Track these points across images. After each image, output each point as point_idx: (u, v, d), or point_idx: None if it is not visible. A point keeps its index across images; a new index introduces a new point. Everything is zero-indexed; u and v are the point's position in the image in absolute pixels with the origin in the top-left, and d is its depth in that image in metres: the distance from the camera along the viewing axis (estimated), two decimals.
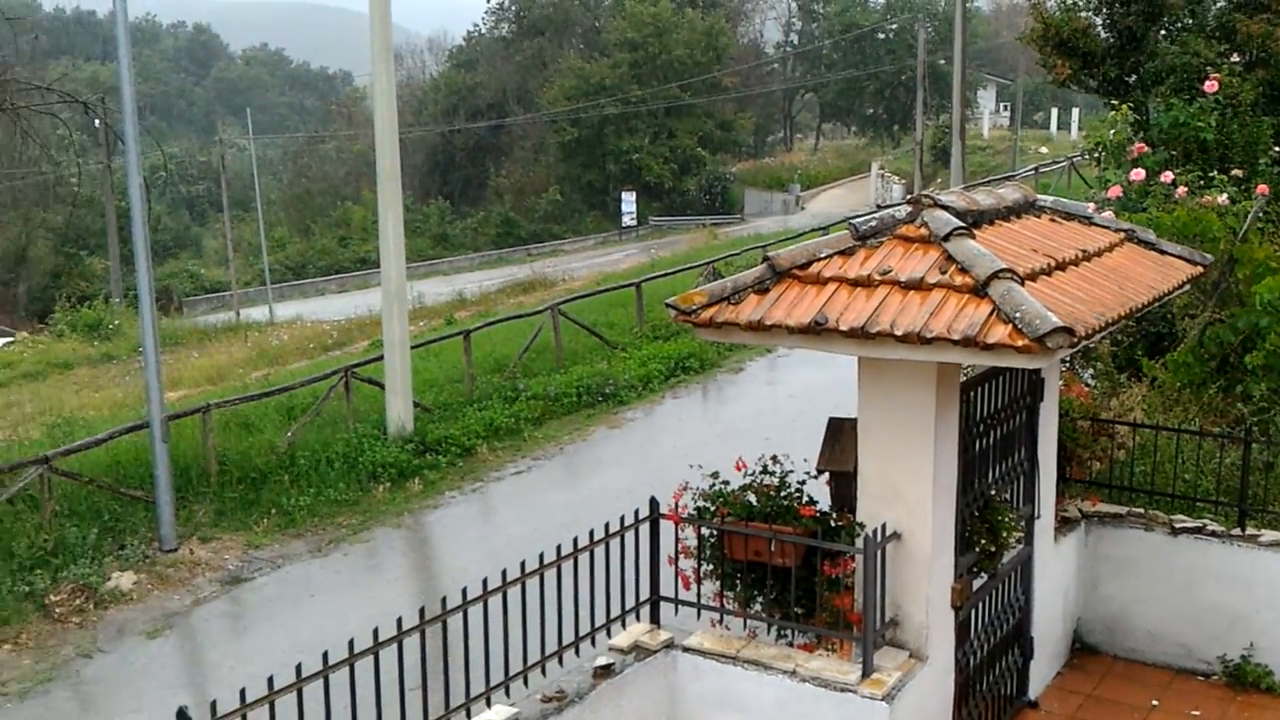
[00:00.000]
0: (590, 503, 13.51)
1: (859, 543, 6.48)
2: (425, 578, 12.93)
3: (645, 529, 7.25)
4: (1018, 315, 5.62)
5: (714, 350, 20.86)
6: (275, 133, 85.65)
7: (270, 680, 5.42)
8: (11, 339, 39.33)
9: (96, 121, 36.61)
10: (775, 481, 7.11)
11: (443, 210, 67.04)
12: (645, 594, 7.37)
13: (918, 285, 6.03)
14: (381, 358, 16.95)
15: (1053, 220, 7.73)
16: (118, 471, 13.77)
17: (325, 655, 5.65)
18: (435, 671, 6.25)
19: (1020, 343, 5.57)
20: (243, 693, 5.31)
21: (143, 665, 10.70)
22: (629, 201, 62.96)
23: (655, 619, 7.35)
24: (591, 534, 7.02)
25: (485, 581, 6.49)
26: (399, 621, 6.06)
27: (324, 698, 5.55)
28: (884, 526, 6.51)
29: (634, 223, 62.92)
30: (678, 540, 7.42)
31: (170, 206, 71.06)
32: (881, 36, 77.34)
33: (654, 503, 7.29)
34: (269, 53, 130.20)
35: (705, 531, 7.21)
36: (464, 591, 6.34)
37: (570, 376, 18.85)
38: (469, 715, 6.29)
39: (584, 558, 6.90)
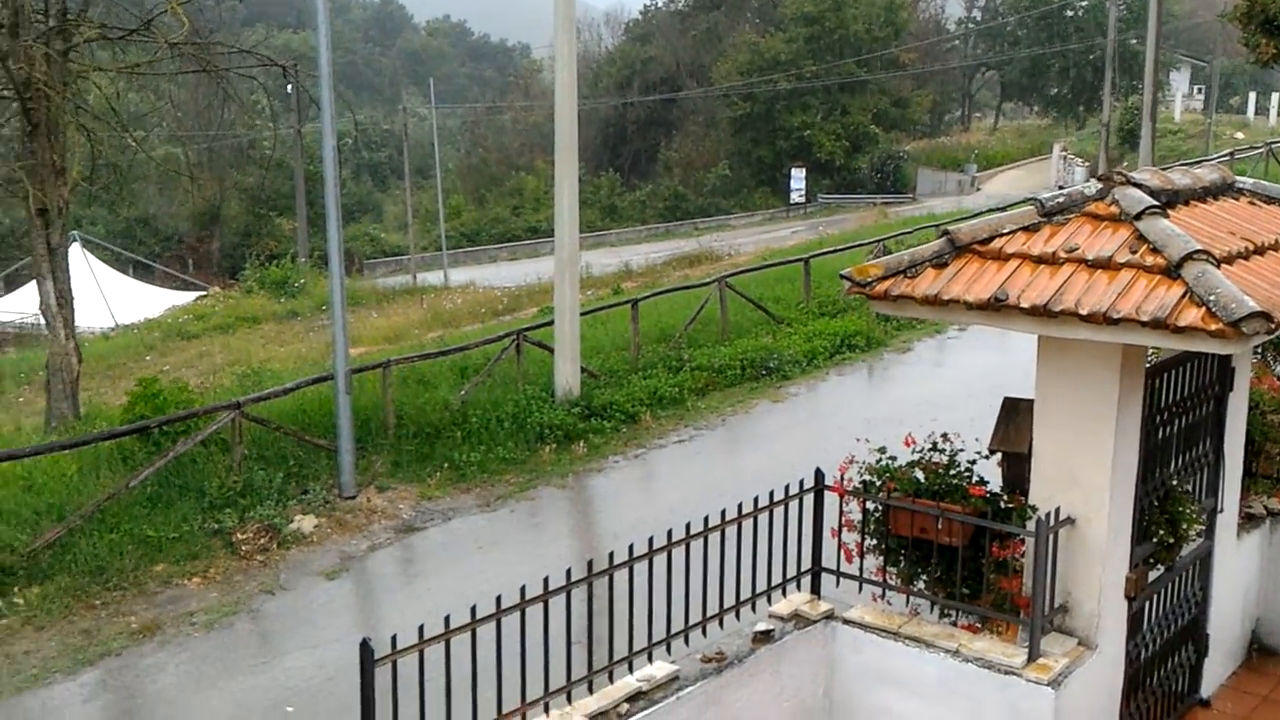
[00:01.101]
0: (750, 474, 13.56)
1: (1031, 525, 6.38)
2: (586, 537, 13.21)
3: (809, 500, 7.29)
4: (1212, 298, 5.44)
5: (881, 329, 20.61)
6: (455, 103, 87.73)
7: (447, 619, 5.67)
8: (205, 293, 41.50)
9: (289, 87, 38.22)
10: (944, 459, 7.05)
11: (613, 182, 67.70)
12: (806, 565, 7.41)
13: (1106, 264, 5.87)
14: (551, 323, 17.32)
15: (1252, 203, 7.41)
16: (303, 420, 14.45)
17: (498, 599, 5.87)
18: (595, 626, 6.43)
19: (1214, 327, 5.39)
20: (420, 629, 5.57)
21: (321, 604, 11.26)
22: (798, 178, 62.43)
23: (816, 590, 7.39)
24: (756, 501, 7.08)
25: (651, 540, 6.63)
26: (568, 572, 6.26)
27: (495, 639, 5.78)
28: (1057, 511, 6.39)
29: (802, 200, 62.39)
30: (842, 513, 7.43)
31: (355, 172, 73.69)
32: (1070, 14, 74.49)
33: (819, 474, 7.31)
34: (451, 24, 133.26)
35: (870, 506, 7.20)
36: (630, 548, 6.50)
37: (734, 349, 18.91)
38: (631, 668, 6.45)
39: (746, 525, 6.99)
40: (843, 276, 6.65)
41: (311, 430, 14.19)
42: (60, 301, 14.48)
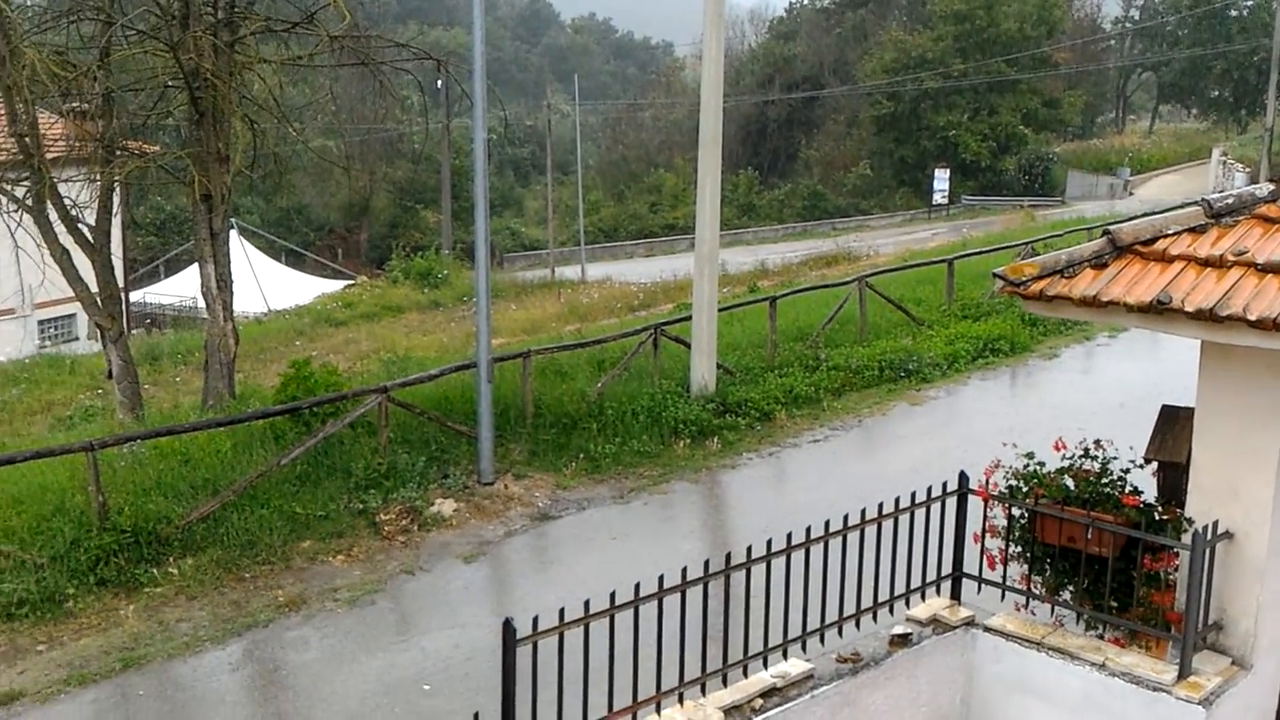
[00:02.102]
0: (886, 477, 13.37)
1: (1186, 539, 6.15)
2: (718, 533, 13.21)
3: (952, 503, 7.16)
4: None
5: (1027, 333, 20.11)
6: (597, 100, 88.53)
7: (586, 604, 5.75)
8: (352, 282, 42.77)
9: (439, 83, 39.11)
10: (1096, 467, 6.85)
11: (751, 180, 67.48)
12: (947, 569, 7.28)
13: (1277, 269, 5.62)
14: (688, 319, 17.35)
15: None
16: (445, 406, 14.77)
17: (637, 587, 5.92)
18: (725, 622, 6.41)
19: None
20: (561, 612, 5.65)
21: (458, 587, 11.51)
22: (942, 179, 61.22)
23: (956, 595, 7.26)
24: (897, 502, 6.99)
25: (789, 536, 6.60)
26: (705, 564, 6.27)
27: (633, 625, 5.82)
28: (1215, 524, 6.14)
29: (945, 201, 61.16)
30: (985, 518, 7.28)
31: (498, 167, 74.93)
32: (1234, 13, 71.34)
33: (963, 477, 7.18)
34: (597, 22, 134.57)
35: (1016, 512, 7.04)
36: (768, 544, 6.48)
37: (873, 350, 18.66)
38: (766, 664, 6.43)
39: (883, 526, 6.90)
40: (996, 275, 6.51)
41: (453, 416, 14.49)
42: (220, 284, 15.08)
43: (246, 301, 34.26)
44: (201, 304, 32.47)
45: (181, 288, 40.72)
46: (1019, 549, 7.08)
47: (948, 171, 61.54)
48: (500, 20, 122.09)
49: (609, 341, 17.74)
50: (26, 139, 13.67)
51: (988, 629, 6.94)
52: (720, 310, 17.67)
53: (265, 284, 38.00)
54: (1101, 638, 6.72)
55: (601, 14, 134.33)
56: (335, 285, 43.07)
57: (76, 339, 32.11)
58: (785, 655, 6.56)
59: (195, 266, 40.30)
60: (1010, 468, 7.46)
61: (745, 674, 6.36)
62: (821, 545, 6.64)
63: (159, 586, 11.12)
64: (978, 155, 63.54)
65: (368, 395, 13.72)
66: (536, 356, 15.76)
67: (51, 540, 11.15)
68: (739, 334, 19.45)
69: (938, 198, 61.10)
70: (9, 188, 14.06)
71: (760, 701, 6.24)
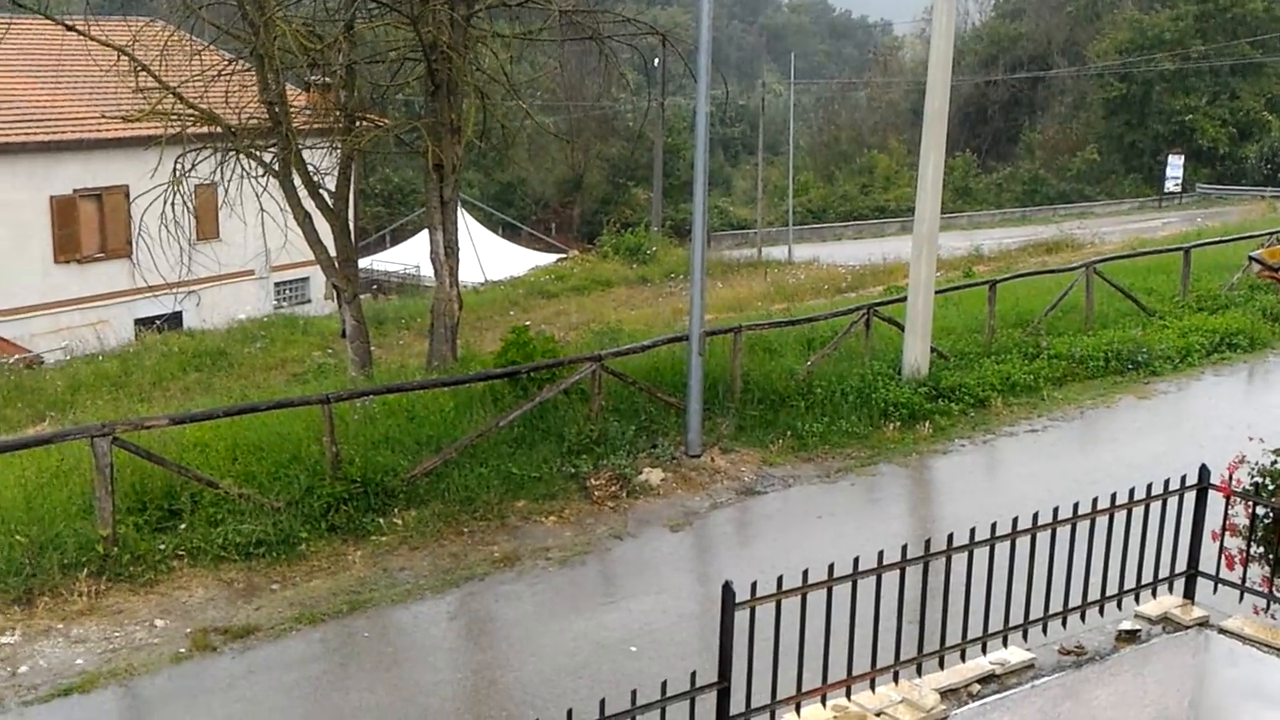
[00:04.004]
0: (1106, 471, 12.85)
1: None
2: (925, 518, 12.95)
3: (1189, 498, 6.83)
4: None
5: (1268, 329, 18.95)
6: (811, 79, 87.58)
7: (805, 574, 5.75)
8: (565, 256, 43.72)
9: (656, 61, 39.46)
10: None
11: (968, 163, 65.60)
12: (1180, 567, 6.97)
13: None
14: (901, 300, 17.02)
15: None
16: (655, 378, 14.95)
17: (855, 561, 5.89)
18: (930, 606, 6.30)
19: None
20: (780, 580, 5.67)
21: (664, 553, 11.67)
22: (1175, 166, 58.11)
23: (1189, 594, 6.95)
24: (1131, 494, 6.73)
25: (1015, 521, 6.44)
26: (927, 543, 6.18)
27: (850, 600, 5.79)
28: None
29: (1177, 189, 58.04)
30: (1226, 516, 6.93)
31: (709, 146, 75.20)
32: None
33: (1204, 471, 6.85)
34: (813, 1, 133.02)
35: (1260, 510, 6.68)
36: (993, 527, 6.34)
37: (1098, 340, 17.90)
38: (985, 650, 6.30)
39: (1105, 519, 6.63)
40: (1251, 258, 6.18)
41: (662, 388, 14.66)
42: (448, 251, 15.65)
43: (465, 271, 35.45)
44: (424, 272, 33.85)
45: (406, 256, 42.54)
46: (1261, 549, 6.73)
47: (1181, 158, 58.39)
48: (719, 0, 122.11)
49: (819, 320, 17.60)
50: (276, 107, 14.49)
51: (1223, 631, 6.62)
52: (935, 293, 17.27)
53: (483, 255, 39.23)
54: None
55: None
56: (548, 258, 44.13)
57: (309, 301, 33.98)
58: (1005, 643, 6.41)
59: (418, 237, 41.97)
60: (1256, 464, 7.06)
61: (963, 658, 6.25)
62: (1049, 533, 6.45)
63: (384, 535, 11.68)
64: (1215, 142, 60.00)
65: (583, 363, 14.01)
66: (747, 332, 15.77)
67: (288, 486, 11.84)
68: (954, 318, 18.98)
69: (1170, 185, 58.04)
70: (258, 153, 14.92)
71: (978, 687, 6.12)
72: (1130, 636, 6.58)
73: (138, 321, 29.09)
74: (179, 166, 14.21)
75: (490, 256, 40.63)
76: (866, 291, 28.85)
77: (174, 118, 14.24)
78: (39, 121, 28.71)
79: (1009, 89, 70.00)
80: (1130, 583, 6.84)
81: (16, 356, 24.68)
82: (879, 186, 66.17)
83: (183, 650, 9.54)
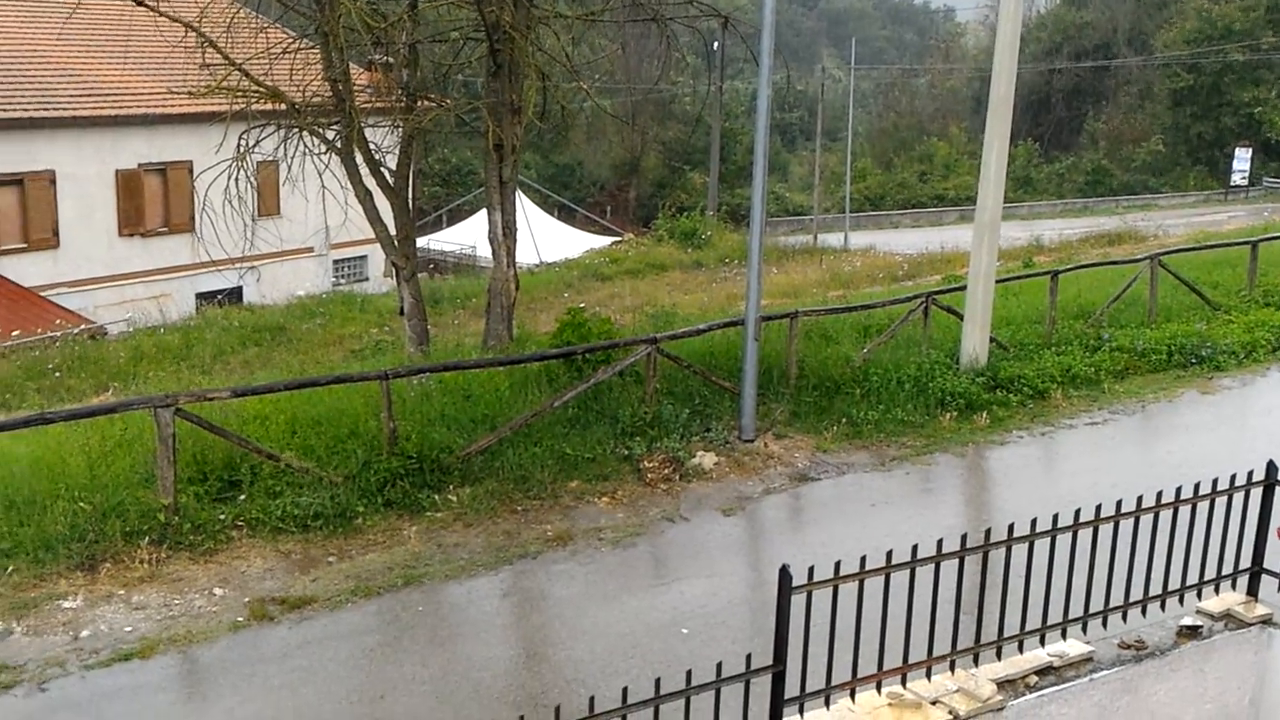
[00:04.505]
0: (1168, 466, 12.68)
1: None
2: (981, 508, 12.85)
3: (1255, 494, 6.72)
4: None
5: None
6: (871, 65, 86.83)
7: (863, 560, 5.72)
8: (620, 239, 43.72)
9: (715, 45, 39.30)
10: None
11: (1030, 152, 64.76)
12: (1244, 563, 6.87)
13: None
14: (960, 289, 16.85)
15: None
16: (710, 362, 14.92)
17: (914, 549, 5.85)
18: (988, 597, 6.25)
19: None
20: (837, 565, 5.65)
21: (716, 537, 11.66)
22: (1243, 159, 56.99)
23: (1253, 591, 6.85)
24: (1196, 488, 6.63)
25: (1077, 513, 6.38)
26: (986, 533, 6.13)
27: (908, 588, 5.76)
28: None
29: (1245, 182, 56.93)
30: None
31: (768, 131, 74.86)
32: None
33: (1272, 467, 6.74)
34: None
35: None
36: (1054, 518, 6.29)
37: (1161, 333, 17.63)
38: (1043, 641, 6.24)
39: (1168, 513, 6.54)
40: None
41: (717, 372, 14.63)
42: (506, 231, 15.70)
43: (521, 252, 35.54)
44: (480, 252, 33.96)
45: (462, 236, 42.77)
46: None
47: (1250, 151, 57.25)
48: None
49: (876, 308, 17.47)
50: (339, 85, 14.59)
51: None
52: (995, 283, 17.08)
53: (538, 237, 39.34)
54: None
55: None
56: (603, 241, 44.16)
57: (366, 279, 34.30)
58: (1064, 635, 6.35)
59: (475, 217, 42.08)
60: None
61: (1021, 649, 6.19)
62: (1111, 525, 6.38)
63: (439, 511, 11.79)
64: None
65: (638, 345, 14.02)
66: (803, 318, 15.69)
67: (346, 460, 11.97)
68: (1014, 309, 18.77)
69: (1236, 178, 56.94)
70: (321, 131, 15.04)
71: (1035, 679, 6.07)
72: (1191, 632, 6.50)
73: (199, 295, 29.55)
74: (243, 143, 14.36)
75: (545, 238, 40.74)
76: (923, 280, 28.59)
77: (239, 94, 14.39)
78: (106, 96, 29.18)
79: (1073, 77, 68.97)
80: (1192, 578, 6.75)
81: (81, 327, 25.17)
82: (938, 174, 65.51)
83: (240, 619, 9.69)
